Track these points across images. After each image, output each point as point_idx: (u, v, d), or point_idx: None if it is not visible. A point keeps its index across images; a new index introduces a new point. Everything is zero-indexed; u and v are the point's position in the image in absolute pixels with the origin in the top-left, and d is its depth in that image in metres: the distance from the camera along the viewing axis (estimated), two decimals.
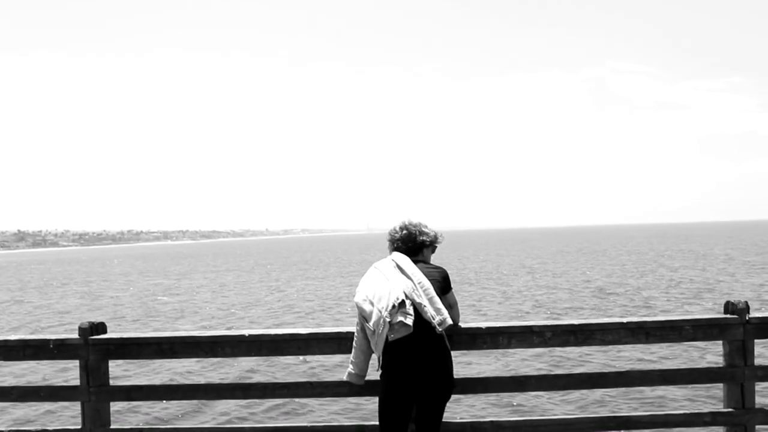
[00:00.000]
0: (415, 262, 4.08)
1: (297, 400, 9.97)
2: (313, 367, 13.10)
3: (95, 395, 4.31)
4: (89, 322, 4.38)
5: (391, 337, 3.76)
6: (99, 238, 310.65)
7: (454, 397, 4.07)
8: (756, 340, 4.21)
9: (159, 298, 32.50)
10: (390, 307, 3.76)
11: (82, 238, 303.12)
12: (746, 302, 4.20)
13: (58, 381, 12.49)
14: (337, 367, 12.44)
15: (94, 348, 4.32)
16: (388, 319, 3.75)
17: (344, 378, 4.10)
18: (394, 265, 4.02)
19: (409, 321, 3.75)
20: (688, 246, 71.97)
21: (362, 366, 4.05)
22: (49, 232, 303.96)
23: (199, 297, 32.15)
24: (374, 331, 3.82)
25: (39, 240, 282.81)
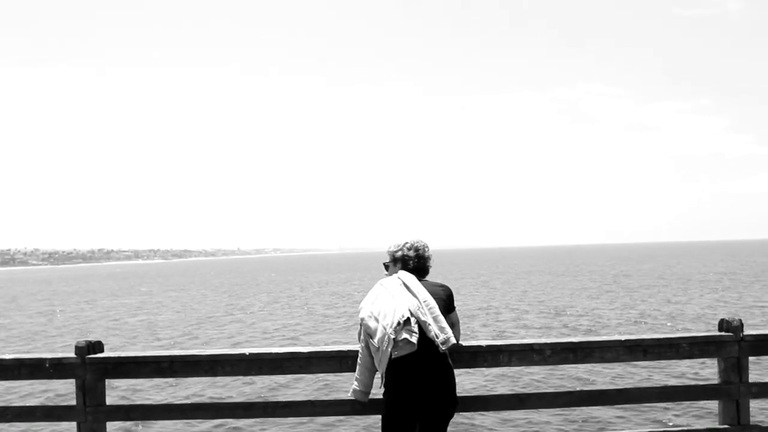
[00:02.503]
0: (420, 280, 4.12)
1: (298, 419, 9.86)
2: (314, 386, 13.04)
3: (92, 415, 4.24)
4: (86, 341, 4.32)
5: (395, 354, 3.77)
6: (69, 257, 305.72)
7: (455, 414, 4.08)
8: (750, 358, 4.31)
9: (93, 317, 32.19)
10: (395, 324, 3.78)
11: (52, 257, 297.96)
12: (740, 320, 4.30)
13: (55, 401, 12.23)
14: (339, 385, 12.38)
15: (91, 367, 4.26)
16: (392, 336, 3.76)
17: (349, 395, 4.10)
18: (400, 282, 4.03)
19: (414, 339, 3.76)
20: (650, 266, 72.97)
21: (367, 383, 4.04)
22: (19, 251, 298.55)
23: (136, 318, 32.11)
24: (378, 348, 3.83)
25: (8, 258, 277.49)
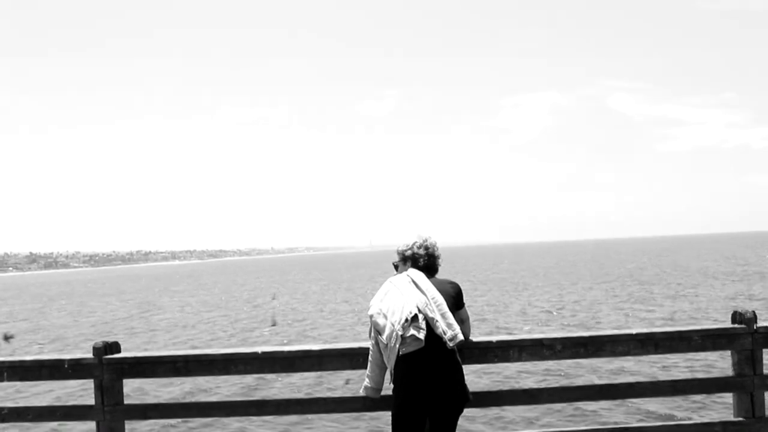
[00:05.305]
0: (429, 277, 4.13)
1: (311, 416, 9.96)
2: (326, 383, 13.12)
3: (110, 414, 4.33)
4: (103, 342, 4.42)
5: (403, 350, 3.78)
6: (109, 259, 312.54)
7: (467, 410, 4.08)
8: (765, 350, 4.23)
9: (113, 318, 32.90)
10: (402, 321, 3.79)
11: (93, 259, 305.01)
12: (754, 312, 4.22)
13: (74, 401, 12.54)
14: (351, 382, 12.45)
15: (108, 367, 4.35)
16: (400, 333, 3.78)
17: (360, 392, 4.13)
18: (409, 280, 4.05)
19: (421, 335, 3.77)
20: (669, 260, 71.58)
21: (378, 380, 4.07)
22: (61, 254, 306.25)
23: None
24: (387, 345, 3.85)
25: (50, 261, 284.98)
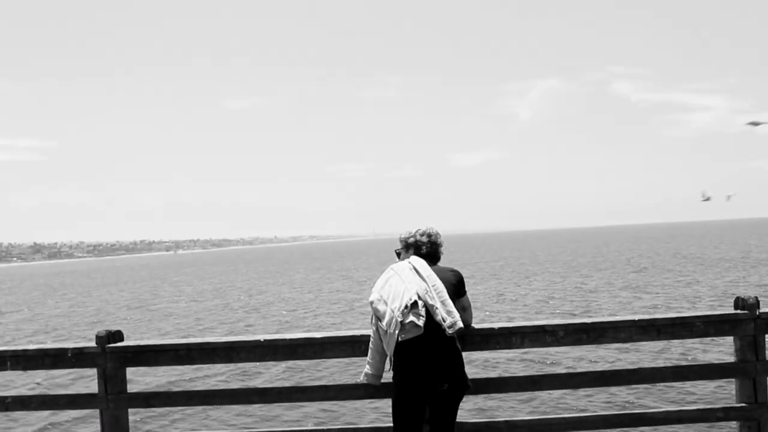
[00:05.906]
0: (431, 265, 4.13)
1: (313, 403, 10.01)
2: (327, 369, 13.21)
3: (113, 402, 4.34)
4: (106, 331, 4.42)
5: (402, 337, 3.78)
6: (112, 249, 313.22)
7: (468, 397, 4.08)
8: (767, 335, 4.22)
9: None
10: (402, 308, 3.80)
11: (96, 249, 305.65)
12: (756, 298, 4.20)
13: (77, 389, 12.62)
14: (352, 369, 12.52)
15: (111, 356, 4.36)
16: (399, 319, 3.78)
17: (361, 379, 4.13)
18: (411, 267, 4.05)
19: (421, 322, 3.77)
20: (671, 246, 71.64)
21: (378, 366, 4.08)
22: (64, 244, 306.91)
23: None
24: (386, 331, 3.86)
25: (54, 252, 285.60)
